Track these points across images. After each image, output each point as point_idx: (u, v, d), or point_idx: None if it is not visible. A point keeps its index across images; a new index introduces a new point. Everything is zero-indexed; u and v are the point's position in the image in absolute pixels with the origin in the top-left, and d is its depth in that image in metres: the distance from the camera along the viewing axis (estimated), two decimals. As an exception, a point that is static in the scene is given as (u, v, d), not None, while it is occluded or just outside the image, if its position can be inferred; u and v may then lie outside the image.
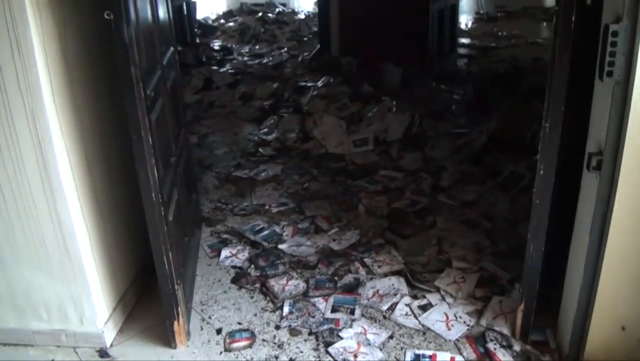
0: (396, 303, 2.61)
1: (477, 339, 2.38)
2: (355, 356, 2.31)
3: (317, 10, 8.03)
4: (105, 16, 1.87)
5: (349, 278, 2.81)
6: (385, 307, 2.59)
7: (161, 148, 2.29)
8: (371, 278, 2.80)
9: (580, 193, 2.07)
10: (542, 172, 2.04)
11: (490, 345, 2.32)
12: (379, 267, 2.89)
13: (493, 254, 2.97)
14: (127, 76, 1.92)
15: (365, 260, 2.96)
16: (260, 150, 4.55)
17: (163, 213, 2.21)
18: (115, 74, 2.01)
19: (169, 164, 2.51)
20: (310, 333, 2.46)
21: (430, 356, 2.30)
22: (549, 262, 2.23)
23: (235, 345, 2.41)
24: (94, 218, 2.36)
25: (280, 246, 3.14)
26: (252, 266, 2.96)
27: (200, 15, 9.86)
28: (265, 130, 4.95)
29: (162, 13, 2.64)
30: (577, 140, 2.02)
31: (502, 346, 2.31)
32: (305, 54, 7.18)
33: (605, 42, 1.71)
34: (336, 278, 2.83)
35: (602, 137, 1.85)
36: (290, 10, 10.98)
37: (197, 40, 8.47)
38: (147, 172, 2.09)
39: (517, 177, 3.73)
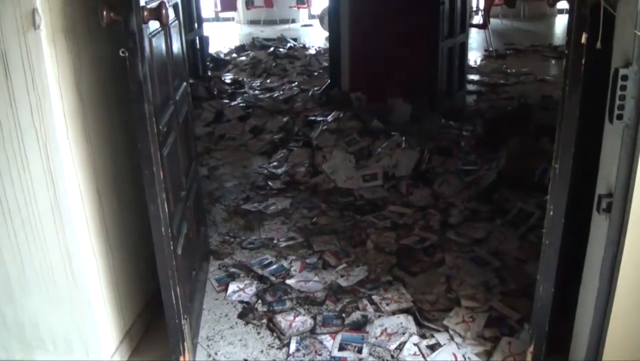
0: (404, 343, 2.58)
1: (486, 380, 2.35)
2: (362, 396, 2.27)
3: (327, 45, 8.12)
4: (121, 53, 1.90)
5: (356, 316, 2.79)
6: (393, 346, 2.56)
7: (172, 182, 2.31)
8: (379, 316, 2.78)
9: (590, 235, 2.05)
10: (551, 213, 2.03)
11: (500, 387, 2.28)
12: (387, 304, 2.87)
13: (502, 293, 2.94)
14: (140, 112, 1.94)
15: (374, 297, 2.94)
16: (270, 183, 4.56)
17: (172, 248, 2.20)
18: (129, 108, 2.03)
19: (179, 198, 2.52)
20: (316, 371, 2.43)
21: (438, 398, 2.27)
22: (559, 303, 2.21)
23: (241, 381, 2.38)
24: (103, 251, 2.36)
25: (288, 281, 3.13)
26: (260, 301, 2.94)
27: (212, 49, 9.97)
28: (275, 163, 4.97)
29: (176, 48, 2.68)
30: (587, 180, 2.01)
31: (511, 388, 2.27)
32: (316, 88, 7.23)
33: (615, 86, 1.72)
34: (344, 315, 2.81)
35: (612, 179, 1.84)
36: (301, 45, 11.09)
37: (209, 74, 8.54)
38: (157, 207, 2.10)
39: (526, 214, 3.71)
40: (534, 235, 3.48)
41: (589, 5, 1.70)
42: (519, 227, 3.62)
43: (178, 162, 2.55)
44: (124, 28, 1.87)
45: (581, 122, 1.89)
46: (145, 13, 1.92)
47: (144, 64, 1.92)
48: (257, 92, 7.60)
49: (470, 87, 7.36)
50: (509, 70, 8.52)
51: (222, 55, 10.10)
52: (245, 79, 8.37)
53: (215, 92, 7.43)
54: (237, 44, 11.38)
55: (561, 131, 1.92)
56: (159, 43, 2.29)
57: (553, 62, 9.28)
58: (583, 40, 1.72)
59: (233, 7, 14.93)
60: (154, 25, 2.14)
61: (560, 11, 13.80)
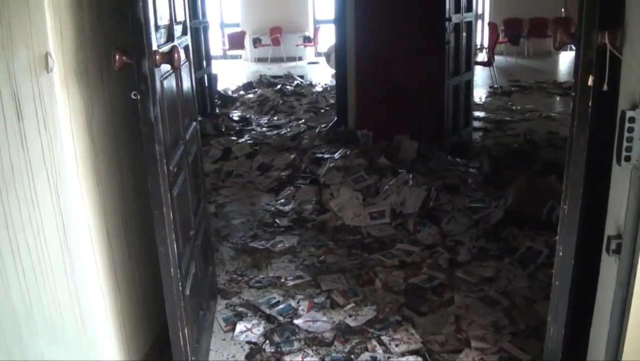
0: (414, 384, 2.54)
1: (498, 424, 2.30)
2: None
3: (334, 83, 8.20)
4: (132, 96, 1.93)
5: (366, 357, 2.75)
6: (402, 388, 2.53)
7: (181, 222, 2.31)
8: (389, 358, 2.74)
9: (600, 276, 2.04)
10: (561, 254, 2.02)
11: None
12: (397, 345, 2.84)
13: (512, 334, 2.91)
14: (151, 154, 1.96)
15: (383, 337, 2.91)
16: (277, 221, 4.56)
17: (181, 288, 2.20)
18: (139, 148, 2.05)
19: (188, 237, 2.52)
20: (325, 414, 2.39)
21: None
22: (570, 344, 2.18)
23: None
24: (111, 292, 2.36)
25: (296, 321, 3.10)
26: (267, 341, 2.92)
27: (220, 86, 10.09)
28: (282, 200, 4.97)
29: (186, 88, 2.72)
30: (597, 219, 2.00)
31: None
32: (323, 125, 7.29)
33: (622, 128, 1.72)
34: (352, 356, 2.77)
35: (621, 220, 1.84)
36: (308, 82, 11.21)
37: (217, 111, 8.63)
38: (166, 247, 2.11)
39: (535, 253, 3.69)
40: (543, 274, 3.46)
41: (595, 48, 1.73)
42: (527, 265, 3.59)
43: (187, 202, 2.56)
44: (136, 71, 1.91)
45: (590, 162, 1.90)
46: (158, 57, 1.95)
47: (156, 106, 1.95)
48: (264, 129, 7.66)
49: (476, 124, 7.40)
50: (514, 107, 8.57)
51: (230, 93, 10.21)
52: (252, 116, 8.44)
53: (223, 129, 7.49)
54: (245, 81, 11.52)
55: (569, 172, 1.92)
56: (170, 84, 2.32)
57: (558, 98, 9.34)
58: (590, 82, 1.74)
59: (241, 45, 15.17)
60: (165, 67, 2.17)
61: (564, 48, 13.94)
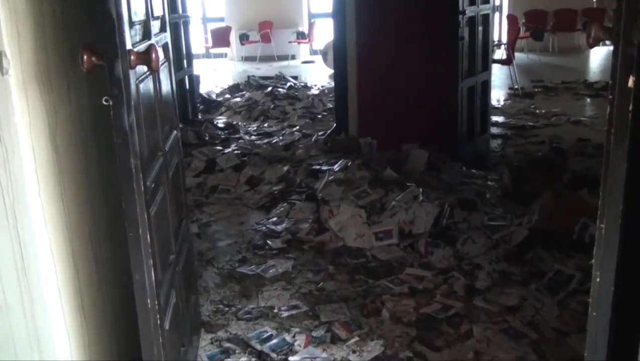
0: None
1: None
2: None
3: (332, 84, 8.21)
4: (104, 102, 1.91)
5: (372, 400, 2.73)
6: None
7: (160, 245, 2.29)
8: (398, 400, 2.72)
9: (644, 305, 2.01)
10: (598, 280, 2.00)
11: None
12: (407, 385, 2.81)
13: (541, 371, 2.89)
14: (125, 168, 1.94)
15: (391, 377, 2.88)
16: (269, 242, 4.54)
17: (159, 322, 2.17)
18: (111, 162, 2.03)
19: (168, 263, 2.50)
20: None
21: None
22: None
23: None
24: (77, 328, 2.31)
25: (291, 358, 3.08)
26: (259, 382, 2.89)
27: (203, 89, 10.11)
28: (275, 219, 4.96)
29: (165, 92, 2.70)
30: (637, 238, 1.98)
31: None
32: (320, 133, 7.29)
33: (666, 135, 1.71)
34: (357, 398, 2.75)
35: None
36: (302, 84, 11.24)
37: (200, 117, 8.64)
38: (143, 275, 2.08)
39: (565, 278, 3.67)
40: (576, 302, 3.43)
41: (636, 44, 1.71)
42: (557, 292, 3.57)
43: (167, 222, 2.54)
44: (108, 74, 1.89)
45: (630, 173, 1.87)
46: (133, 57, 1.93)
47: (130, 113, 1.93)
48: (253, 137, 7.66)
49: (494, 130, 7.41)
50: (537, 111, 8.60)
51: (213, 96, 10.24)
52: (240, 123, 8.45)
53: (206, 138, 7.49)
54: (231, 83, 11.56)
55: (606, 187, 1.90)
56: (147, 88, 2.30)
57: (588, 100, 9.37)
58: (630, 83, 1.72)
59: (226, 43, 15.22)
60: (141, 68, 2.16)
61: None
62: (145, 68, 2.20)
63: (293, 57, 15.37)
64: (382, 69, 6.24)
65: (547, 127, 7.73)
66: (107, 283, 2.57)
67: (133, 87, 1.98)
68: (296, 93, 10.20)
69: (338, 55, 6.70)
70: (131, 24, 2.06)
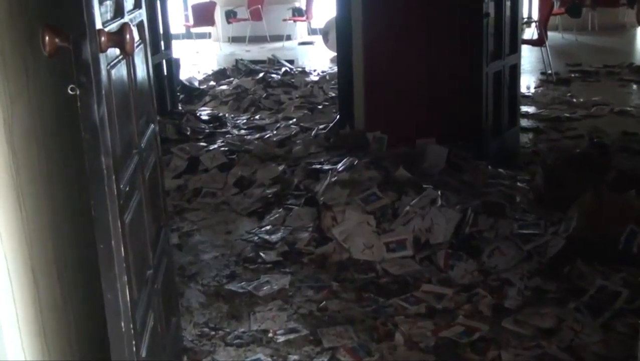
0: None
1: None
2: None
3: (335, 70, 8.22)
4: (69, 91, 1.90)
5: None
6: None
7: (136, 259, 2.28)
8: None
9: None
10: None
11: None
12: (426, 422, 2.81)
13: (582, 405, 2.89)
14: (95, 168, 1.93)
15: (407, 412, 2.89)
16: (262, 255, 4.54)
17: (135, 348, 2.17)
18: (79, 162, 2.02)
19: (145, 279, 2.50)
20: None
21: None
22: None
23: None
24: (36, 353, 2.31)
25: (290, 390, 3.08)
26: (251, 419, 2.89)
27: (184, 75, 10.12)
28: (268, 227, 4.96)
29: (141, 78, 2.70)
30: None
31: None
32: (321, 126, 7.29)
33: None
34: None
35: None
36: (299, 69, 11.25)
37: (180, 108, 8.65)
38: (116, 294, 2.07)
39: (610, 295, 3.68)
40: (623, 324, 3.44)
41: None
42: (600, 312, 3.57)
43: (143, 231, 2.53)
44: (75, 58, 1.88)
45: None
46: (103, 39, 1.92)
47: (101, 104, 1.92)
48: (243, 131, 7.67)
49: (524, 122, 7.42)
50: (574, 100, 8.62)
51: (196, 84, 10.25)
52: (227, 115, 8.46)
53: (188, 133, 7.50)
54: (216, 68, 11.59)
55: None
56: (120, 75, 2.30)
57: (635, 87, 9.38)
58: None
59: (210, 21, 15.23)
60: (113, 51, 2.15)
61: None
62: (117, 51, 2.20)
63: (288, 38, 15.41)
64: (393, 51, 6.24)
65: (586, 118, 7.74)
66: (73, 304, 2.56)
67: (103, 73, 1.98)
68: (292, 80, 10.21)
69: (341, 35, 6.70)
70: (101, -1, 2.06)
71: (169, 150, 6.52)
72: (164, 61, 8.33)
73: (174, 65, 8.76)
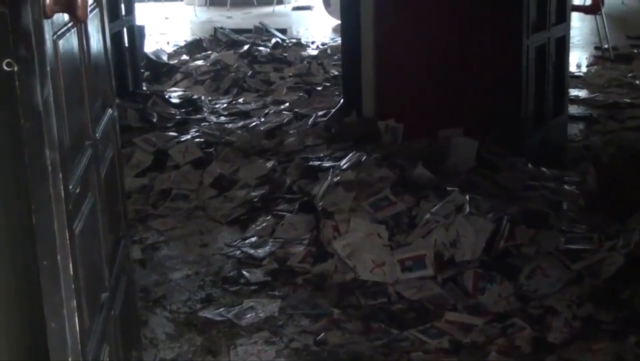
0: None
1: None
2: None
3: (338, 42, 8.20)
4: (5, 67, 1.89)
5: None
6: None
7: (87, 278, 2.28)
8: None
9: None
10: None
11: None
12: None
13: None
14: (38, 164, 1.93)
15: None
16: (245, 273, 4.55)
17: (86, 391, 2.17)
18: (18, 156, 2.01)
19: (99, 304, 2.49)
20: None
21: None
22: None
23: None
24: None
25: None
26: None
27: (149, 47, 10.11)
28: (254, 239, 4.98)
29: (96, 51, 2.70)
30: None
31: None
32: (320, 113, 7.28)
33: None
34: None
35: None
36: (293, 41, 11.24)
37: (145, 88, 8.64)
38: (62, 322, 2.07)
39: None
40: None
41: None
42: (668, 348, 3.58)
43: (98, 243, 2.53)
44: (11, 26, 1.87)
45: None
46: (48, 1, 1.92)
47: (45, 83, 1.91)
48: (223, 118, 7.68)
49: (573, 110, 7.43)
50: (637, 82, 8.61)
51: (164, 58, 10.24)
52: (203, 98, 8.46)
53: (154, 119, 7.49)
54: (189, 38, 11.56)
55: None
56: (70, 47, 2.30)
57: None
58: None
59: (182, -20, 15.25)
60: (61, 17, 2.15)
61: None
62: (66, 17, 2.19)
63: (280, 1, 15.40)
64: (411, 20, 6.24)
65: (652, 105, 7.76)
66: (9, 334, 2.56)
67: (49, 44, 1.97)
68: (285, 55, 10.20)
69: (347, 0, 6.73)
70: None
71: (131, 141, 6.51)
72: (124, 29, 8.32)
73: (137, 34, 8.74)
